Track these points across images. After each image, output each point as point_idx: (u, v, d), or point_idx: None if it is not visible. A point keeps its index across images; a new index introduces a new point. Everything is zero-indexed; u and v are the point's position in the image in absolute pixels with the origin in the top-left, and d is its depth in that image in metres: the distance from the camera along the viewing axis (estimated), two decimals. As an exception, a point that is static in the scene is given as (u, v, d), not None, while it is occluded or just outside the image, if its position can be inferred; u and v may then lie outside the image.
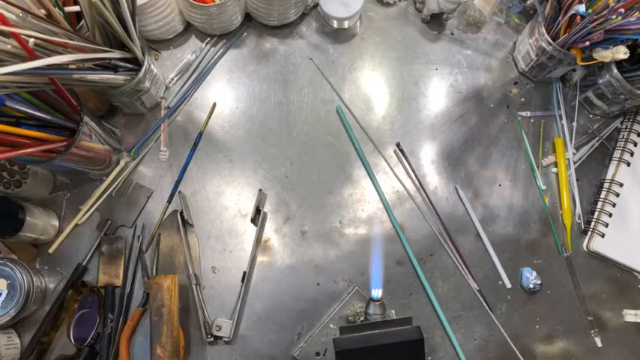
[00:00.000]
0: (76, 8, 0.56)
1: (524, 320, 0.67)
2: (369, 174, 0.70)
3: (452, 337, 0.65)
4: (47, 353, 0.62)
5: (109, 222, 0.66)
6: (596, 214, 0.70)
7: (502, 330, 0.66)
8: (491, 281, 0.68)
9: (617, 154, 0.72)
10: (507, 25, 0.78)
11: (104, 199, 0.67)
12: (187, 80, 0.72)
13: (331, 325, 0.63)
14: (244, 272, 0.65)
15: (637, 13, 0.58)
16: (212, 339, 0.62)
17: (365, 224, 0.69)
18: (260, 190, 0.66)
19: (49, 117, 0.55)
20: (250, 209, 0.67)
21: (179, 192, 0.67)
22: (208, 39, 0.74)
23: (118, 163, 0.68)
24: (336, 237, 0.68)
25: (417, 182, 0.70)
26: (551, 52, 0.66)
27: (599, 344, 0.66)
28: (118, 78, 0.58)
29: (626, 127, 0.73)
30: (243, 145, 0.70)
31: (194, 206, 0.68)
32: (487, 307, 0.66)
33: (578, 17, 0.59)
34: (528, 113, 0.74)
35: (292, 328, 0.65)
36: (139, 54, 0.59)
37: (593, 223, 0.70)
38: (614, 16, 0.56)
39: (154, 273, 0.65)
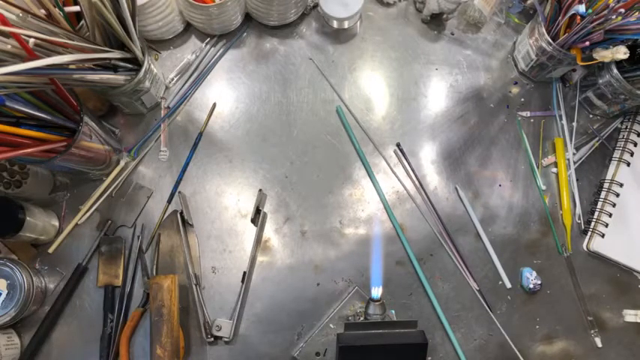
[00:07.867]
0: (76, 8, 0.56)
1: (524, 320, 0.67)
2: (369, 174, 0.70)
3: (452, 337, 0.65)
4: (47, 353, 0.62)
5: (109, 222, 0.66)
6: (596, 214, 0.70)
7: (502, 330, 0.66)
8: (491, 281, 0.68)
9: (617, 154, 0.72)
10: (507, 25, 0.78)
11: (104, 199, 0.67)
12: (187, 80, 0.72)
13: (331, 325, 0.63)
14: (244, 272, 0.65)
15: (637, 13, 0.58)
16: (212, 339, 0.62)
17: (365, 224, 0.69)
18: (260, 190, 0.66)
19: (49, 117, 0.55)
20: (250, 209, 0.67)
21: (179, 192, 0.67)
22: (208, 39, 0.74)
23: (118, 163, 0.68)
24: (336, 237, 0.68)
25: (417, 182, 0.70)
26: (551, 52, 0.66)
27: (599, 344, 0.66)
28: (118, 78, 0.58)
29: (626, 127, 0.73)
30: (243, 145, 0.70)
31: (194, 206, 0.68)
32: (487, 307, 0.66)
33: (578, 17, 0.59)
34: (528, 113, 0.74)
35: (292, 328, 0.65)
36: (139, 54, 0.59)
37: (593, 223, 0.70)
38: (614, 16, 0.56)
39: (154, 273, 0.64)
